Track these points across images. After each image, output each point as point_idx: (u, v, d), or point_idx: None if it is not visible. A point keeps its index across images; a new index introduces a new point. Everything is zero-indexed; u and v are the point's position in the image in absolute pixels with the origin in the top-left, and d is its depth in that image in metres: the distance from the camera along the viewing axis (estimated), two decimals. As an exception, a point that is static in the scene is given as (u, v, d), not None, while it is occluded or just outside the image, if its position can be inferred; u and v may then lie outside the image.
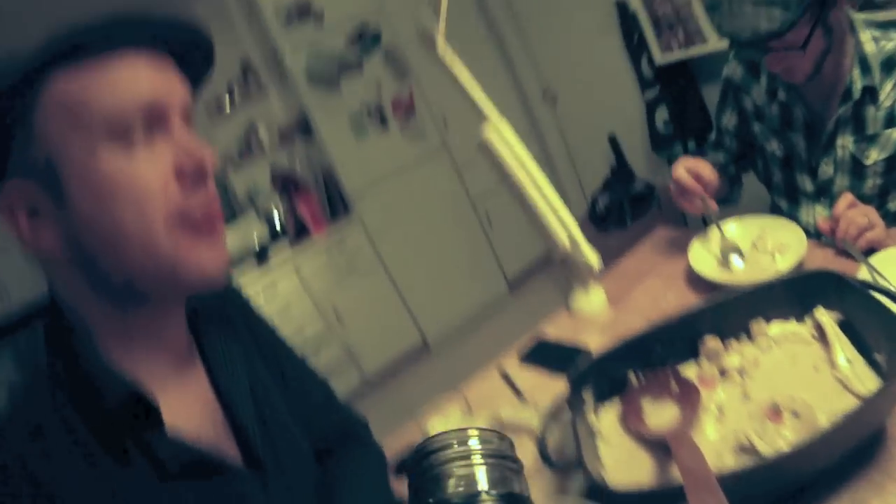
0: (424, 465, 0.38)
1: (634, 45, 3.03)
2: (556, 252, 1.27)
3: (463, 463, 0.37)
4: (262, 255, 3.40)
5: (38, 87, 0.54)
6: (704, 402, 0.79)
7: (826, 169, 1.30)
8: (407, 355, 3.62)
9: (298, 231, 3.46)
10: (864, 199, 1.23)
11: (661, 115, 3.09)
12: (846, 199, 1.13)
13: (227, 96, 3.55)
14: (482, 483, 0.37)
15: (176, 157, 0.58)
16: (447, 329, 3.70)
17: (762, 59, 1.23)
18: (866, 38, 1.18)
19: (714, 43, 2.43)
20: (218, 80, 3.52)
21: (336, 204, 3.54)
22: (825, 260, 1.16)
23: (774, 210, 1.50)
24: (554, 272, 1.30)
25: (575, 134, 3.90)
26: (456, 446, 0.38)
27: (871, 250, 1.08)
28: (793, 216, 1.40)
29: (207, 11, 3.32)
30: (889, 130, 1.20)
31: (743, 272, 1.19)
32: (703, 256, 1.25)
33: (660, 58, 2.73)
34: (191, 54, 0.63)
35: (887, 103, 1.18)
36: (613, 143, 3.46)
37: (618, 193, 3.44)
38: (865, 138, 1.22)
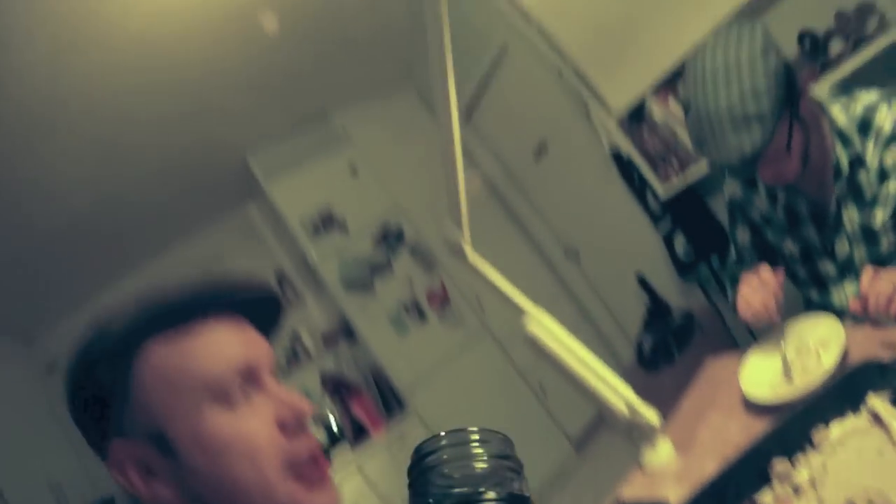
0: (424, 465, 0.38)
1: (637, 185, 3.19)
2: (616, 421, 1.28)
3: (462, 463, 0.37)
4: (324, 462, 3.41)
5: (133, 355, 0.58)
6: (786, 525, 0.79)
7: (842, 247, 1.32)
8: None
9: (356, 432, 3.48)
10: (884, 259, 1.25)
11: (680, 242, 3.17)
12: (868, 274, 1.11)
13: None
14: (482, 483, 0.37)
15: (276, 409, 0.62)
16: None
17: (755, 173, 1.24)
18: (836, 111, 1.21)
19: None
20: None
21: (390, 401, 3.60)
22: (866, 338, 1.13)
23: (808, 304, 1.50)
24: (617, 430, 1.30)
25: (604, 283, 3.99)
26: (455, 447, 0.38)
27: None
28: (826, 302, 1.40)
29: (237, 227, 3.63)
30: (884, 186, 1.20)
31: (795, 382, 1.17)
32: (755, 380, 1.25)
33: (662, 191, 2.85)
34: (265, 313, 0.69)
35: (874, 162, 1.19)
36: (643, 282, 3.53)
37: (659, 331, 3.46)
38: (867, 204, 1.23)
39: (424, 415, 3.46)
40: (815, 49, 1.97)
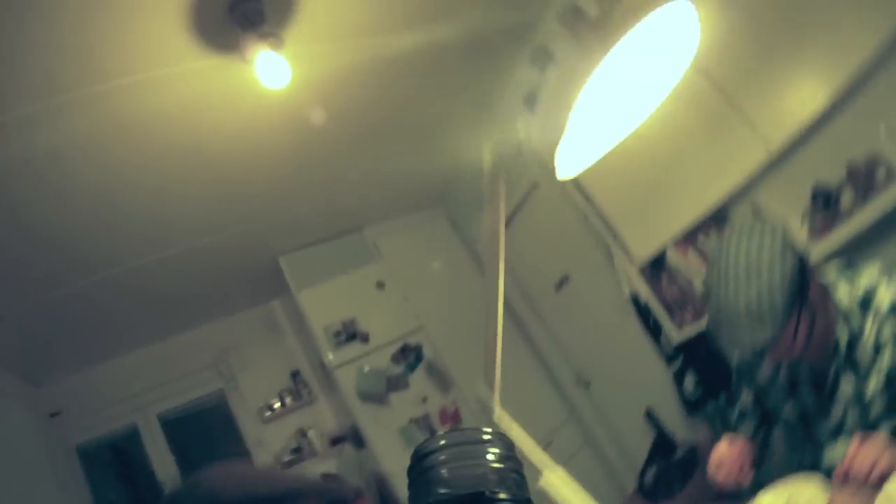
0: (423, 465, 0.38)
1: (651, 327, 3.30)
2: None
3: (462, 463, 0.37)
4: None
5: None
6: None
7: (837, 411, 1.36)
8: None
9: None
10: (873, 422, 1.29)
11: (689, 381, 3.23)
12: (854, 441, 1.15)
13: (278, 401, 3.86)
14: (481, 483, 0.37)
15: None
16: None
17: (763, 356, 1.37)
18: (842, 292, 1.28)
19: None
20: (271, 386, 3.86)
21: (390, 510, 3.62)
22: (849, 500, 1.15)
23: (802, 464, 1.53)
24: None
25: (613, 413, 4.04)
26: (455, 447, 0.38)
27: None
28: (818, 461, 1.44)
29: (260, 320, 3.74)
30: (878, 357, 1.24)
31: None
32: None
33: (675, 336, 2.95)
34: None
35: (871, 336, 1.23)
36: (650, 417, 3.59)
37: (662, 464, 3.49)
38: (862, 376, 1.27)
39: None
40: (826, 204, 2.07)
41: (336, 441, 3.83)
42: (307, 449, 3.82)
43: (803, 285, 1.20)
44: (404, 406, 3.61)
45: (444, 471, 0.38)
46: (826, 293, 1.29)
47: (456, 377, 3.80)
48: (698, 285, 2.54)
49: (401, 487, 3.46)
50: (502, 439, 0.40)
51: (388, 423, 3.54)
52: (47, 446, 3.30)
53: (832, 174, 2.09)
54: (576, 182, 3.04)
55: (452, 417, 3.66)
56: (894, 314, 1.23)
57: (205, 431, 3.98)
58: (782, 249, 1.19)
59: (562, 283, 3.81)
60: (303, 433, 3.87)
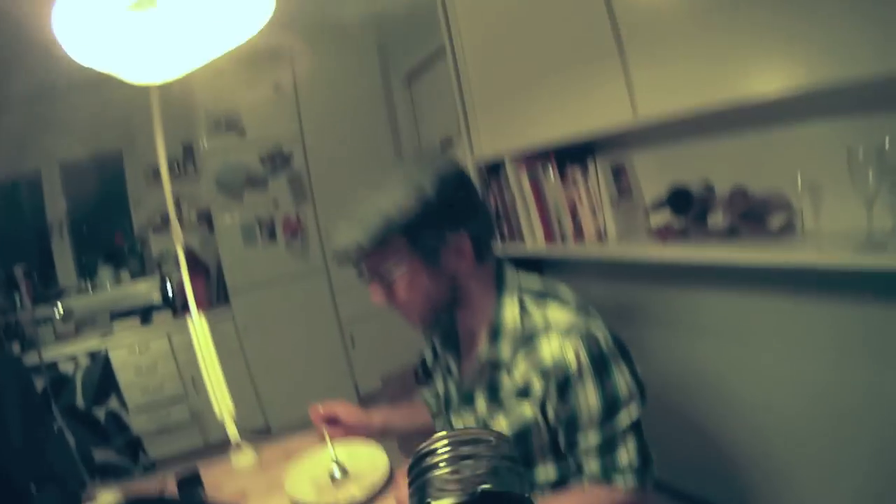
0: (423, 466, 0.39)
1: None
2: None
3: (462, 464, 0.38)
4: (147, 315, 3.91)
5: None
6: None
7: (467, 420, 1.33)
8: (249, 434, 3.99)
9: (183, 305, 3.96)
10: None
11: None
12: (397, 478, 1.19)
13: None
14: (481, 483, 0.37)
15: None
16: (291, 422, 4.03)
17: None
18: (509, 304, 1.20)
19: (531, 244, 2.60)
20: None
21: (220, 294, 4.06)
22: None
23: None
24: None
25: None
26: (454, 448, 0.39)
27: None
28: None
29: (167, 92, 3.91)
30: (518, 402, 1.19)
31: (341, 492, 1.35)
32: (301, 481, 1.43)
33: None
34: None
35: (518, 378, 1.17)
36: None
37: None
38: (497, 403, 1.22)
39: (239, 316, 3.93)
40: (681, 208, 1.90)
41: (201, 219, 4.17)
42: (177, 220, 4.16)
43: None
44: (255, 205, 3.87)
45: (444, 471, 0.38)
46: (480, 288, 1.24)
47: (314, 195, 4.04)
48: (520, 210, 2.60)
49: (230, 273, 3.86)
50: (501, 439, 0.40)
51: (235, 215, 3.83)
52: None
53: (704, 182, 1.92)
54: (455, 58, 3.03)
55: (293, 229, 3.95)
56: None
57: (97, 184, 4.21)
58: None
59: (444, 145, 3.94)
60: (177, 203, 4.19)
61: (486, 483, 0.38)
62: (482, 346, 1.23)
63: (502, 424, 1.23)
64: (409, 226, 1.10)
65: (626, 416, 1.17)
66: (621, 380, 1.16)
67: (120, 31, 1.23)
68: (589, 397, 1.15)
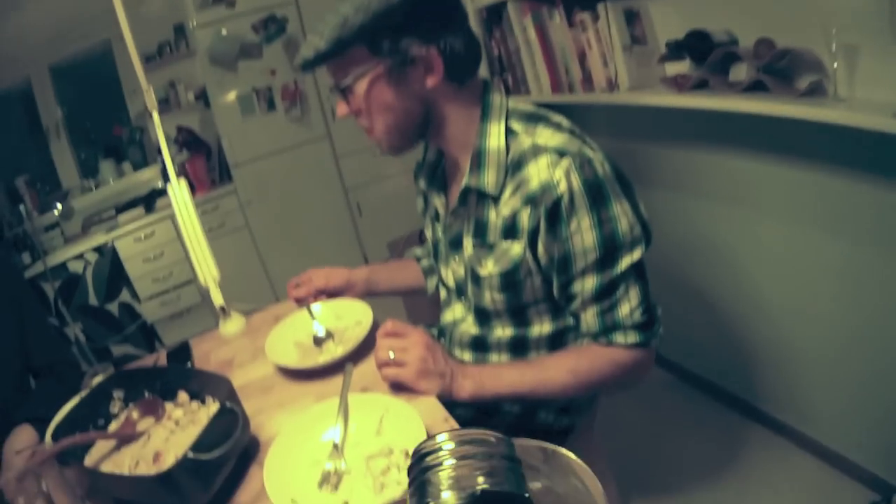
0: (423, 466, 0.39)
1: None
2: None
3: (461, 464, 0.38)
4: (150, 203, 3.84)
5: None
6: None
7: (456, 268, 1.29)
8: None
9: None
10: (486, 312, 1.25)
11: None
12: (385, 326, 1.11)
13: (156, 51, 3.97)
14: (481, 483, 0.37)
15: None
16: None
17: None
18: (495, 128, 1.10)
19: (536, 94, 2.43)
20: (151, 36, 3.92)
21: (222, 173, 3.95)
22: None
23: None
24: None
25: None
26: (454, 447, 0.39)
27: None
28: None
29: None
30: (506, 242, 1.11)
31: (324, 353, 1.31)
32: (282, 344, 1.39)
33: None
34: None
35: (506, 211, 1.09)
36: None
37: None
38: (485, 245, 1.15)
39: (243, 192, 3.82)
40: (701, 56, 1.70)
41: (199, 98, 3.99)
42: (174, 100, 4.01)
43: None
44: (251, 75, 3.65)
45: (444, 471, 0.38)
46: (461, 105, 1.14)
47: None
48: (525, 57, 2.44)
49: (230, 149, 3.73)
50: (502, 439, 0.40)
51: (231, 88, 3.65)
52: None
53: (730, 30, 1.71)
54: None
55: (292, 96, 3.76)
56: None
57: (89, 80, 4.05)
58: None
59: None
60: (172, 85, 4.01)
61: (486, 483, 0.37)
62: (465, 175, 1.13)
63: (490, 268, 1.15)
64: (368, 30, 0.99)
65: (627, 259, 1.05)
66: (621, 214, 1.04)
67: None
68: (583, 231, 1.03)
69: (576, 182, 1.00)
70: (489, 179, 1.09)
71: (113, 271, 3.71)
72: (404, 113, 1.09)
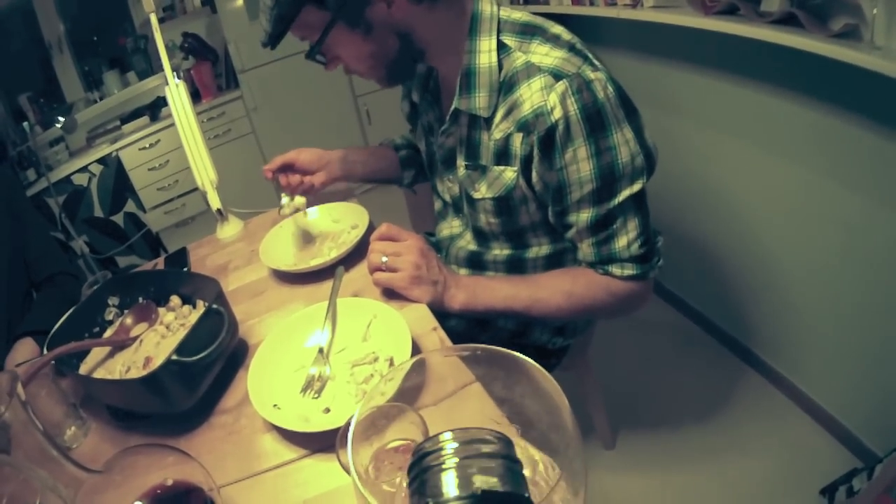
0: (423, 465, 0.39)
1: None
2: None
3: (461, 463, 0.38)
4: (155, 112, 3.76)
5: None
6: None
7: (451, 186, 1.25)
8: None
9: (193, 96, 3.77)
10: (483, 232, 1.22)
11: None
12: (380, 229, 1.07)
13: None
14: (481, 483, 0.37)
15: None
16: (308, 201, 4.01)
17: None
18: (485, 44, 1.01)
19: (556, 5, 2.29)
20: None
21: (229, 79, 3.85)
22: None
23: None
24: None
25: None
26: (454, 447, 0.39)
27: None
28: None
29: None
30: (499, 167, 1.07)
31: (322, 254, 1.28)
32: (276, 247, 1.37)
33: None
34: None
35: (498, 135, 1.03)
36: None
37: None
38: (477, 167, 1.11)
39: (249, 99, 3.74)
40: None
41: (204, 3, 3.86)
42: (179, 7, 3.88)
43: None
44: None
45: (444, 471, 0.38)
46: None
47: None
48: None
49: (236, 54, 3.61)
50: (502, 438, 0.40)
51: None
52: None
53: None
54: None
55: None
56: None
57: None
58: None
59: None
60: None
61: (485, 483, 0.37)
62: (455, 97, 1.05)
63: (483, 191, 1.11)
64: None
65: (626, 191, 0.99)
66: (622, 143, 0.96)
67: None
68: (580, 161, 0.96)
69: (572, 108, 0.92)
70: (480, 102, 1.02)
71: (118, 182, 3.68)
72: (381, 51, 1.03)
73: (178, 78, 3.67)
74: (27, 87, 3.79)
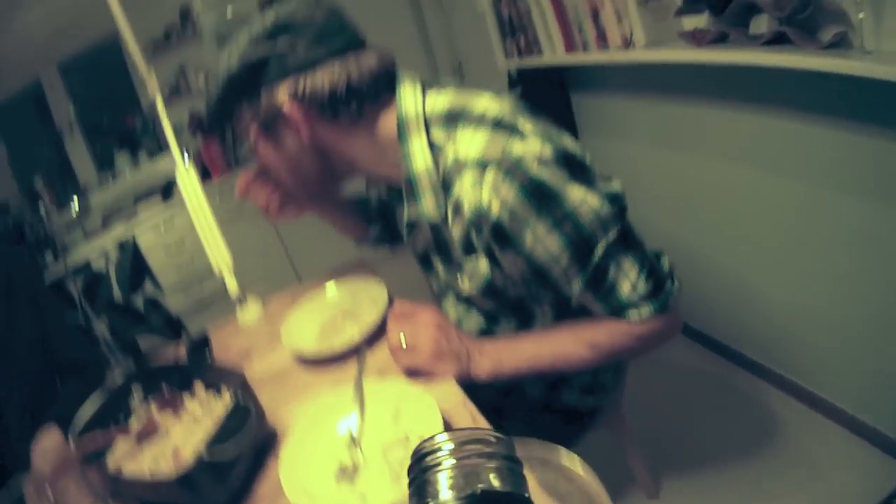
0: (422, 466, 0.39)
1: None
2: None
3: (461, 464, 0.38)
4: (167, 191, 3.83)
5: None
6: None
7: (438, 279, 1.22)
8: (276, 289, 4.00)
9: (203, 174, 3.85)
10: (484, 311, 1.22)
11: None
12: (393, 310, 1.07)
13: (163, 36, 3.94)
14: (481, 483, 0.37)
15: None
16: (322, 270, 4.02)
17: None
18: (416, 147, 0.97)
19: (550, 56, 2.35)
20: (157, 21, 3.89)
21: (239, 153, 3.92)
22: None
23: None
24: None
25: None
26: (454, 447, 0.39)
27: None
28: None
29: None
30: (471, 259, 1.03)
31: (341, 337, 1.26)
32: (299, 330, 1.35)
33: (501, 63, 2.74)
34: None
35: (456, 232, 1.00)
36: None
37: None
38: (453, 263, 1.09)
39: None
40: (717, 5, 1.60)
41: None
42: (184, 86, 3.99)
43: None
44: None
45: (444, 471, 0.38)
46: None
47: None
48: (536, 17, 2.36)
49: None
50: (502, 438, 0.40)
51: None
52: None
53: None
54: None
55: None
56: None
57: (99, 73, 4.05)
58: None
59: None
60: (182, 71, 3.99)
61: (485, 483, 0.37)
62: (404, 208, 1.03)
63: (466, 285, 1.09)
64: (223, 99, 0.98)
65: (603, 243, 0.93)
66: (578, 203, 0.89)
67: None
68: (543, 240, 0.91)
69: (509, 195, 0.87)
70: (427, 207, 1.00)
71: (135, 264, 3.71)
72: (299, 167, 1.04)
73: (187, 157, 3.77)
74: (41, 169, 3.89)
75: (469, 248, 1.01)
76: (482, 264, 1.02)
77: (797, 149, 1.66)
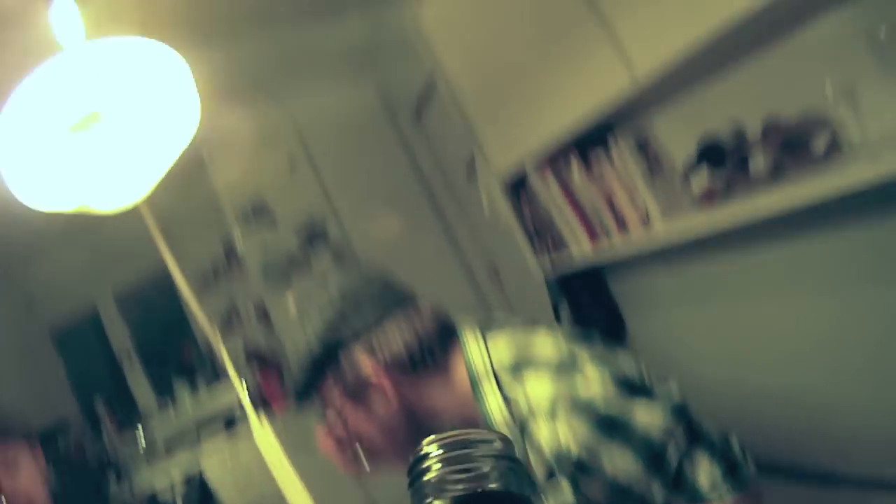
0: (423, 466, 0.39)
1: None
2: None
3: (461, 464, 0.38)
4: (230, 423, 3.88)
5: None
6: None
7: None
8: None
9: (264, 404, 3.89)
10: None
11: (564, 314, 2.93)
12: None
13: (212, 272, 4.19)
14: (481, 483, 0.37)
15: None
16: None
17: None
18: (493, 405, 1.01)
19: (576, 249, 2.43)
20: (204, 254, 4.20)
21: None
22: None
23: None
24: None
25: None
26: (454, 448, 0.39)
27: None
28: None
29: (195, 200, 3.93)
30: (553, 485, 1.03)
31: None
32: None
33: (534, 264, 2.79)
34: None
35: (539, 470, 1.01)
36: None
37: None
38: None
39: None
40: (717, 161, 1.73)
41: (259, 315, 4.14)
42: (236, 320, 4.19)
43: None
44: (306, 287, 3.75)
45: (444, 471, 0.38)
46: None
47: (361, 261, 3.89)
48: (556, 217, 2.47)
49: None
50: (502, 438, 0.40)
51: (289, 303, 3.74)
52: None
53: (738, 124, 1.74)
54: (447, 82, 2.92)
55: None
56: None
57: (153, 305, 4.36)
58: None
59: (469, 168, 3.71)
60: (233, 305, 4.21)
61: (486, 483, 0.37)
62: None
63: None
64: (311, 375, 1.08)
65: (674, 451, 0.95)
66: (645, 418, 0.94)
67: (70, 161, 1.23)
68: (620, 464, 0.94)
69: (582, 430, 0.92)
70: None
71: (202, 499, 3.69)
72: (390, 428, 1.08)
73: (247, 389, 3.83)
74: (100, 390, 4.05)
75: (550, 475, 1.02)
76: (565, 488, 1.03)
77: (829, 267, 1.70)
